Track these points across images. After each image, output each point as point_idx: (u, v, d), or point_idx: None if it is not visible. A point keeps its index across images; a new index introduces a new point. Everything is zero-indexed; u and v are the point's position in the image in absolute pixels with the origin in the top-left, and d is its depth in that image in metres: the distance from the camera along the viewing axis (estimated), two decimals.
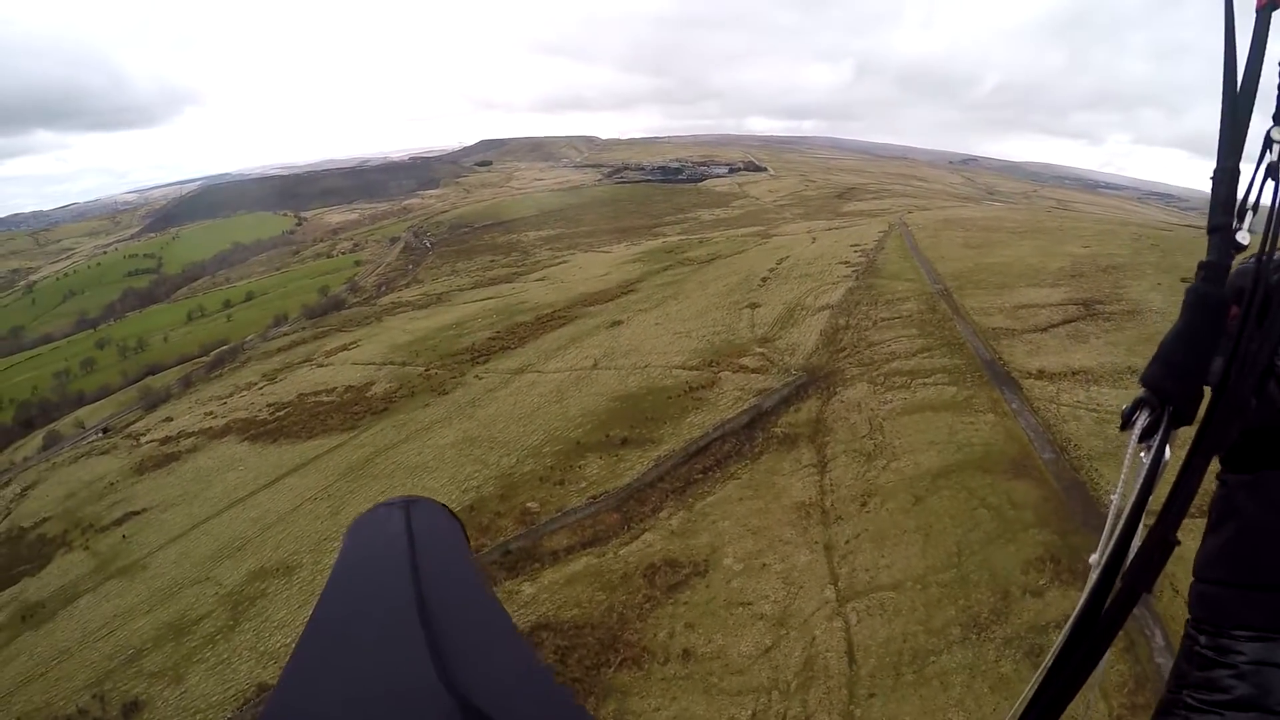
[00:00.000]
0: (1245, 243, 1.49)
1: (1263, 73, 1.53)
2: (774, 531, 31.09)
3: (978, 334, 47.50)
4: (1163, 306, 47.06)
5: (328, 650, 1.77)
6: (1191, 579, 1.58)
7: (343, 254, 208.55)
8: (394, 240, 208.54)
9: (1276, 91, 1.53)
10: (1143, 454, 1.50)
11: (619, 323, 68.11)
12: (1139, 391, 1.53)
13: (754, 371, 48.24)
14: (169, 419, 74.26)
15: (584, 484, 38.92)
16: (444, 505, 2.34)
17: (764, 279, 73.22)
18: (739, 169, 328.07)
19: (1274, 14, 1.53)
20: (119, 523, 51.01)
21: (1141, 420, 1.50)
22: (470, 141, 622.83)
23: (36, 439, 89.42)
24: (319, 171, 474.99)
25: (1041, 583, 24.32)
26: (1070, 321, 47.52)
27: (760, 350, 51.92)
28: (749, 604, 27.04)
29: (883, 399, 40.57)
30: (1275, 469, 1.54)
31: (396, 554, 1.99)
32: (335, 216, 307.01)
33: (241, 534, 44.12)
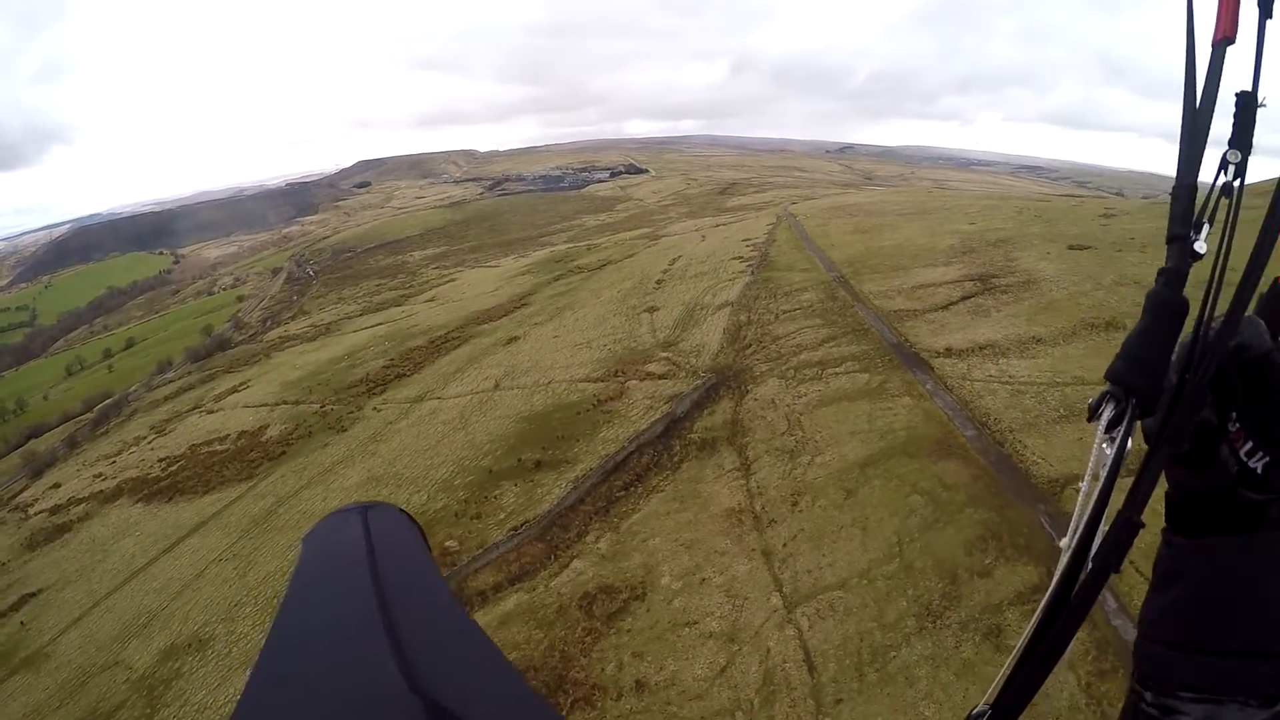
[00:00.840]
0: (1202, 252, 1.64)
1: (1217, 100, 1.67)
2: (708, 543, 30.00)
3: (880, 318, 47.32)
4: (1055, 274, 47.79)
5: (289, 662, 1.75)
6: (1137, 635, 1.69)
7: (224, 290, 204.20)
8: (276, 271, 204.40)
9: (1232, 118, 1.67)
10: (1106, 445, 1.62)
11: (516, 339, 66.49)
12: (1104, 386, 1.68)
13: (661, 378, 47.21)
14: (57, 485, 70.53)
15: (502, 515, 37.25)
16: (402, 509, 2.30)
17: (658, 281, 72.54)
18: (620, 172, 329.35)
19: (1228, 48, 1.66)
20: (15, 608, 47.84)
21: (1107, 413, 1.63)
22: (348, 163, 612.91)
23: None
24: (193, 205, 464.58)
25: (987, 561, 23.87)
26: (969, 297, 47.65)
27: (665, 355, 50.97)
28: (695, 623, 25.93)
29: (796, 393, 39.94)
30: (1221, 534, 1.63)
31: (355, 560, 1.96)
32: (213, 251, 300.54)
33: (146, 608, 41.46)
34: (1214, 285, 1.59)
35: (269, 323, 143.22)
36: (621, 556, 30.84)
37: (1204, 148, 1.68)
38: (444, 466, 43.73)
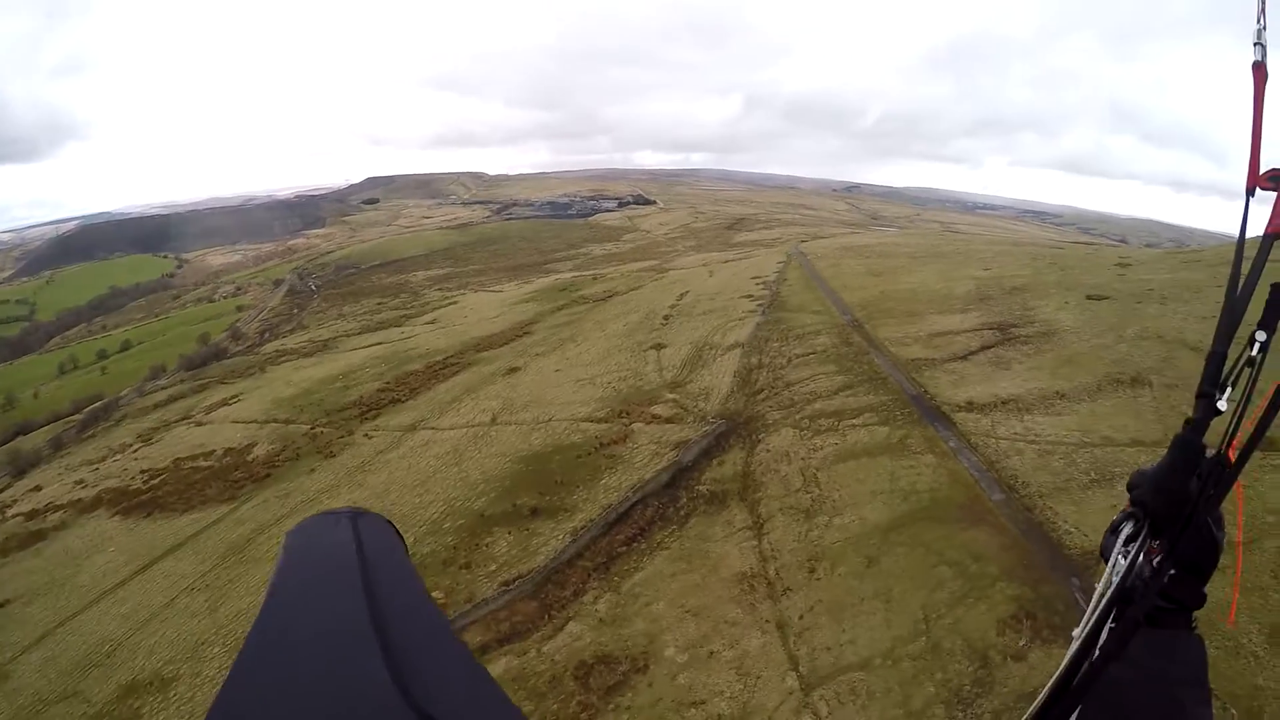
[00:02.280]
0: (1222, 409, 1.99)
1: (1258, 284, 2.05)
2: (717, 611, 27.76)
3: (898, 366, 45.82)
4: (1075, 325, 46.86)
5: (275, 658, 1.68)
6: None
7: (225, 298, 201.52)
8: (278, 283, 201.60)
9: (1265, 305, 1.96)
10: (1122, 556, 2.01)
11: (516, 369, 64.43)
12: (1127, 507, 2.08)
13: (668, 421, 45.06)
14: (38, 488, 68.40)
15: (493, 566, 34.77)
16: (389, 520, 2.24)
17: (666, 317, 70.81)
18: (628, 203, 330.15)
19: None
20: None
21: (1127, 529, 2.05)
22: (358, 179, 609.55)
23: None
24: (202, 210, 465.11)
25: (1021, 644, 22.15)
26: (989, 347, 46.42)
27: (672, 396, 48.87)
28: (702, 703, 23.76)
29: (812, 445, 37.99)
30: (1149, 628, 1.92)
31: (346, 565, 1.91)
32: (218, 258, 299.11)
33: (111, 635, 39.21)
34: (1228, 437, 1.95)
35: (267, 335, 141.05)
36: (622, 621, 28.55)
37: (1237, 325, 2.03)
38: (434, 506, 41.31)
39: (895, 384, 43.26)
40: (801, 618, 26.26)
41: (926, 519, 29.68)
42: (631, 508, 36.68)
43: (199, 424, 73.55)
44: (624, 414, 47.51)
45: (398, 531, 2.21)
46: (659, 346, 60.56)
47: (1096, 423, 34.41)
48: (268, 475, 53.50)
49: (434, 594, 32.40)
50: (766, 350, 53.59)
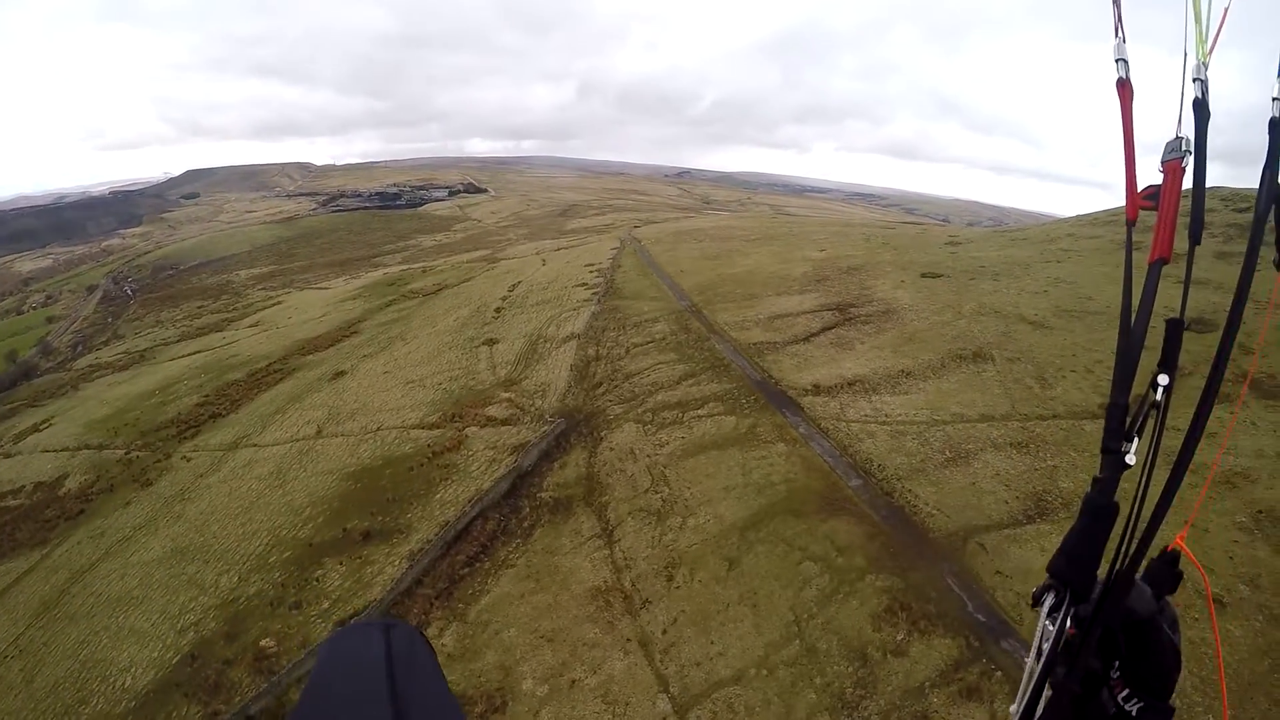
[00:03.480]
0: (1131, 464, 1.97)
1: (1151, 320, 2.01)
2: (574, 633, 25.90)
3: (739, 351, 45.17)
4: (913, 303, 47.17)
5: None
6: None
7: (34, 309, 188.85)
8: (92, 289, 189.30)
9: (1162, 343, 2.03)
10: (1049, 623, 2.01)
11: (342, 373, 61.08)
12: (1045, 578, 2.06)
13: (504, 423, 42.74)
14: None
15: (326, 604, 31.50)
16: (419, 630, 2.29)
17: (498, 309, 68.68)
18: (459, 191, 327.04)
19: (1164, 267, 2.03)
20: None
21: (1049, 600, 2.03)
22: (177, 172, 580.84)
23: None
24: (8, 210, 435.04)
25: (900, 637, 21.48)
26: (830, 328, 46.29)
27: (507, 395, 46.58)
28: None
29: (657, 441, 36.60)
30: None
31: (374, 678, 1.96)
32: (27, 264, 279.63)
33: None
34: (1140, 496, 1.99)
35: (80, 348, 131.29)
36: (472, 655, 26.33)
37: (1135, 371, 2.02)
38: (259, 537, 37.66)
39: (738, 370, 42.45)
40: (665, 632, 24.81)
41: (785, 512, 28.69)
42: (471, 523, 34.19)
43: (8, 455, 66.95)
44: (457, 417, 44.98)
45: (426, 640, 2.20)
46: (491, 342, 58.37)
47: (945, 400, 34.37)
48: (81, 512, 48.50)
49: (264, 641, 29.68)
50: (604, 341, 52.20)
